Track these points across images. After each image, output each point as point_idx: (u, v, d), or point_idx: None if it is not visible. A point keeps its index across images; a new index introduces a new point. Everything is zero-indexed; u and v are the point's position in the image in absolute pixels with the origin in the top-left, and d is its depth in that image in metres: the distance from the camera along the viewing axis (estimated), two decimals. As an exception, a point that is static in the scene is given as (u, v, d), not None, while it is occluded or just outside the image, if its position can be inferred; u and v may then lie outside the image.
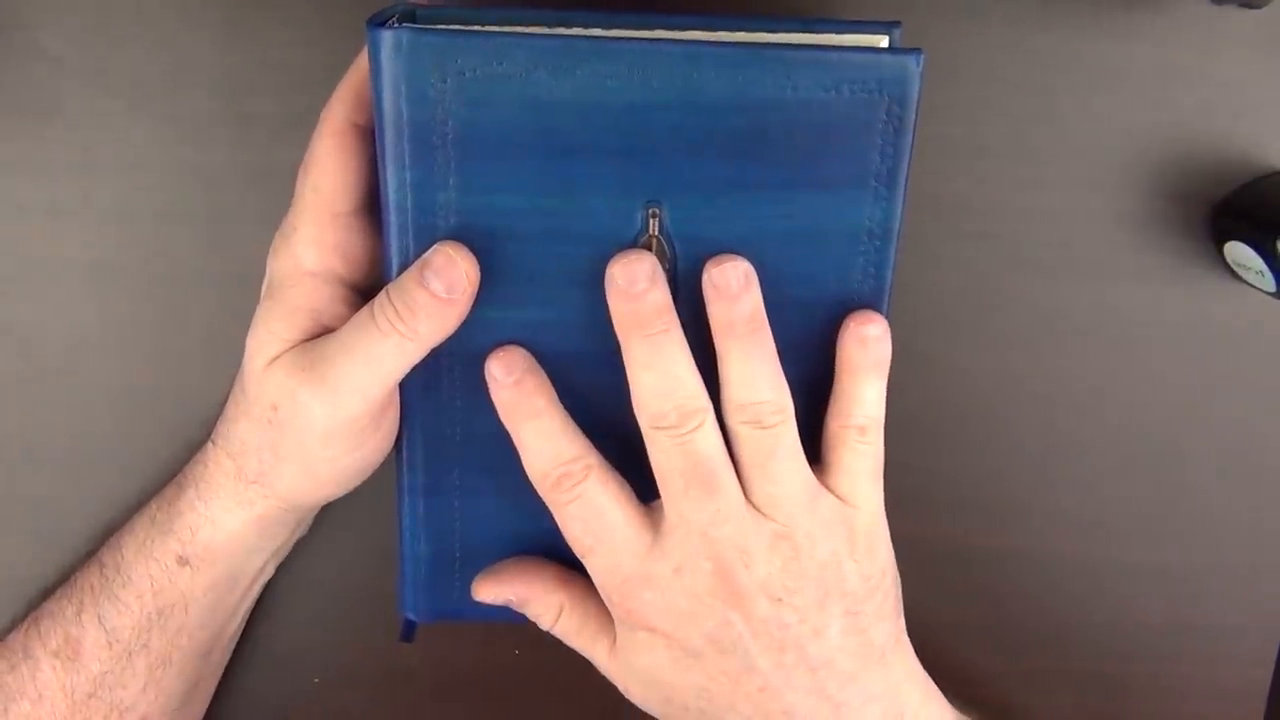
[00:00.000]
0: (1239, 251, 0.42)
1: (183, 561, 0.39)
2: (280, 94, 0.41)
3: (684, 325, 0.34)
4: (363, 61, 0.35)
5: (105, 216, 0.42)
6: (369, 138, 0.35)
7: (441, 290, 0.33)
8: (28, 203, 0.42)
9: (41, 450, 0.44)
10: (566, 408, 0.36)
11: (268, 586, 0.44)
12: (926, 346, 0.45)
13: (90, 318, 0.43)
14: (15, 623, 0.42)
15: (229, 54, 0.41)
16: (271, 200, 0.42)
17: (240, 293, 0.42)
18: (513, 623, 0.39)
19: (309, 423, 0.35)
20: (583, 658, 0.39)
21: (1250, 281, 0.43)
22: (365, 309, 0.35)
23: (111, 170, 0.42)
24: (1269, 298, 0.42)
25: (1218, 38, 0.42)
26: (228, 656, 0.44)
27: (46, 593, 0.42)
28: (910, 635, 0.39)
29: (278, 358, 0.36)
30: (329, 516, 0.44)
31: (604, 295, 0.34)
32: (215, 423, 0.40)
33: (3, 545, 0.45)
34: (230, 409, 0.39)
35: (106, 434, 0.44)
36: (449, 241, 0.34)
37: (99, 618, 0.39)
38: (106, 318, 0.43)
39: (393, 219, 0.34)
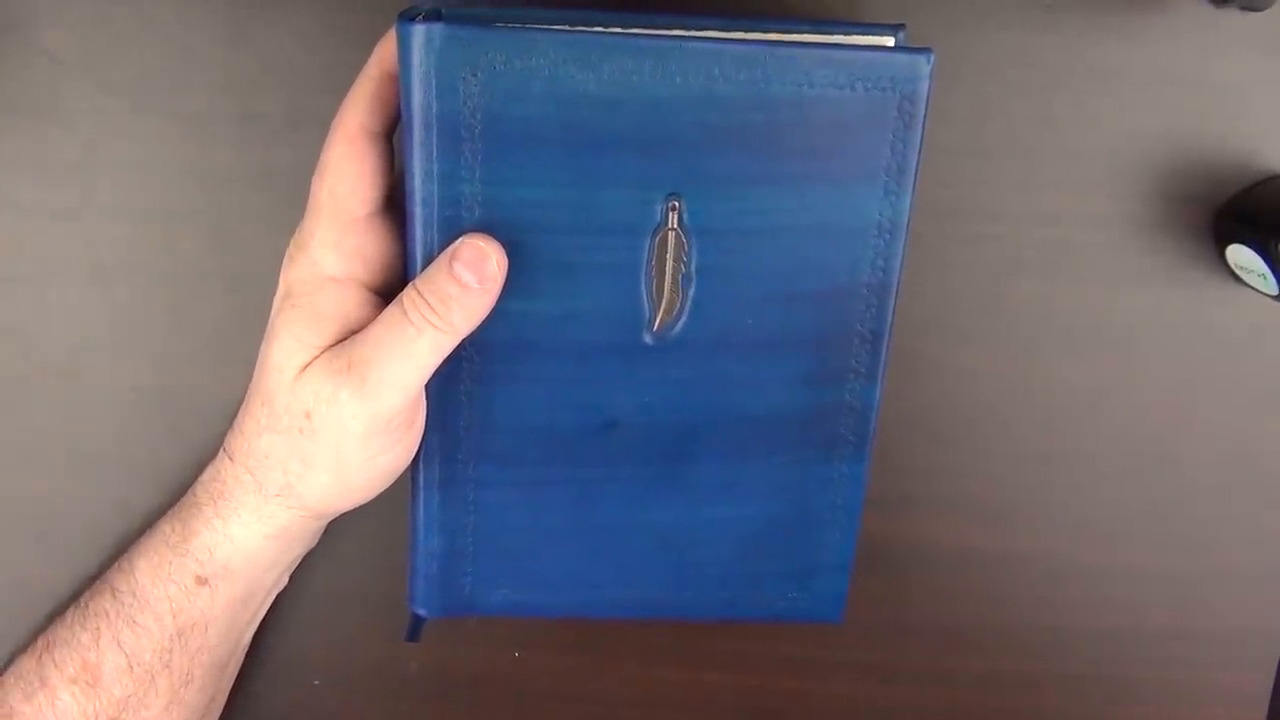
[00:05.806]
0: (1241, 254, 0.42)
1: (201, 581, 0.38)
2: (283, 94, 0.41)
3: (700, 326, 0.34)
4: (372, 68, 0.35)
5: (106, 216, 0.42)
6: (381, 142, 0.36)
7: (472, 281, 0.34)
8: (28, 202, 0.42)
9: (41, 450, 0.44)
10: (583, 400, 0.37)
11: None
12: (927, 348, 0.45)
13: (91, 318, 0.43)
14: (20, 648, 0.40)
15: (232, 53, 0.41)
16: (274, 200, 0.42)
17: (242, 293, 0.42)
18: (520, 618, 0.38)
19: (348, 424, 0.35)
20: (582, 660, 0.38)
21: (1252, 285, 0.43)
22: (395, 305, 0.35)
23: (113, 170, 0.42)
24: (1271, 301, 0.42)
25: (1219, 41, 0.42)
26: (240, 664, 0.44)
27: (52, 616, 0.41)
28: (911, 635, 0.39)
29: (309, 365, 0.36)
30: (329, 522, 0.44)
31: (624, 286, 0.35)
32: (215, 421, 0.40)
33: (3, 545, 0.45)
34: (247, 424, 0.38)
35: (107, 434, 0.44)
36: (476, 234, 0.34)
37: (118, 643, 0.38)
38: (107, 318, 0.43)
39: (418, 211, 0.34)
